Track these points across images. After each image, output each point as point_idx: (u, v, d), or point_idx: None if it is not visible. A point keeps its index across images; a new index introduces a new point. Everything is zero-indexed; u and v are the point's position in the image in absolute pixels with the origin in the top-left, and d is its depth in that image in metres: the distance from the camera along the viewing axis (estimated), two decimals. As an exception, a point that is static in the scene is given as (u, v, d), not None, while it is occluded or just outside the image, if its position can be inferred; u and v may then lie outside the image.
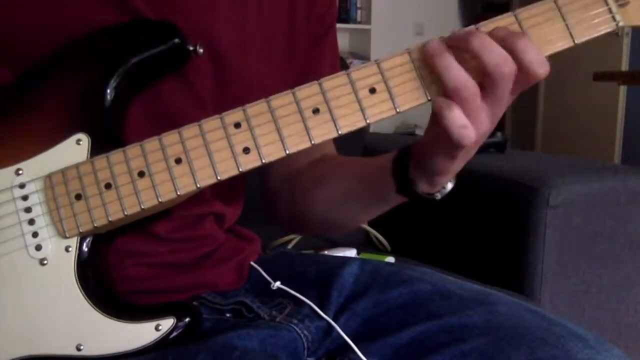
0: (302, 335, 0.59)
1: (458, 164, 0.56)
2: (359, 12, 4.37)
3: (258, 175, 0.75)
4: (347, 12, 4.28)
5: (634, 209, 1.14)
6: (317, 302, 0.61)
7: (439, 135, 0.52)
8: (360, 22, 4.36)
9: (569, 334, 0.53)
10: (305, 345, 0.59)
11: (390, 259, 1.15)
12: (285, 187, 0.74)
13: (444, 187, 0.60)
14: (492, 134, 1.41)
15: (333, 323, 0.59)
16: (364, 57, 4.27)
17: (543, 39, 0.52)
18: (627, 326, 1.22)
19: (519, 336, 0.53)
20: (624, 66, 3.52)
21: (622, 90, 3.83)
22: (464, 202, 1.22)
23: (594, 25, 0.52)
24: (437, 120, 0.51)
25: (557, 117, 4.42)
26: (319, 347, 0.60)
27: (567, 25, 0.52)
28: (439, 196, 0.60)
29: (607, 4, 0.52)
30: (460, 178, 1.29)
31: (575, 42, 0.53)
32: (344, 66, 1.72)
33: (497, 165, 1.19)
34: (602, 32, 0.53)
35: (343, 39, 4.42)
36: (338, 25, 0.77)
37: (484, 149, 1.32)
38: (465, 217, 1.22)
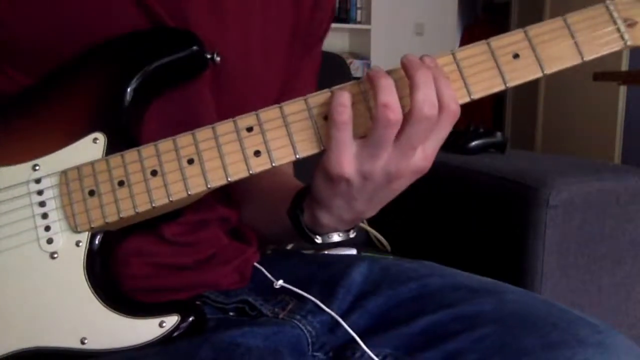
0: (305, 330, 0.59)
1: (339, 204, 0.57)
2: (359, 12, 4.37)
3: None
4: (347, 12, 4.28)
5: (634, 209, 1.14)
6: (320, 298, 0.62)
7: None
8: (360, 22, 4.35)
9: (578, 320, 0.54)
10: (310, 341, 0.59)
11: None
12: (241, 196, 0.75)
13: (328, 235, 0.61)
14: (492, 134, 1.42)
15: (335, 315, 0.60)
16: (364, 57, 4.27)
17: (552, 56, 0.54)
18: (627, 326, 1.22)
19: (531, 322, 0.54)
20: (624, 66, 3.52)
21: (622, 90, 3.83)
22: (464, 202, 1.22)
23: (602, 43, 0.54)
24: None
25: (557, 117, 4.42)
26: (326, 343, 0.60)
27: (575, 43, 0.54)
28: (318, 239, 0.62)
29: (615, 24, 0.54)
30: (460, 178, 1.30)
31: (584, 59, 0.54)
32: (344, 66, 1.71)
33: (497, 165, 1.19)
34: (611, 51, 0.54)
35: (343, 39, 4.42)
36: (338, 25, 0.78)
37: (483, 149, 1.32)
38: (465, 217, 1.22)
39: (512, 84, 0.54)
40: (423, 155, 0.53)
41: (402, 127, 0.51)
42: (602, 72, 2.44)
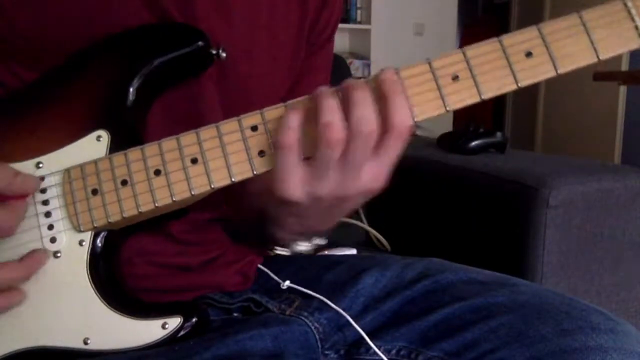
0: (312, 327, 0.59)
1: (292, 221, 0.57)
2: (359, 12, 4.36)
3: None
4: (347, 12, 4.28)
5: (634, 209, 1.14)
6: (328, 297, 0.62)
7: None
8: (360, 22, 4.35)
9: (590, 309, 0.55)
10: (317, 337, 0.59)
11: (391, 259, 1.15)
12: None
13: (289, 245, 0.63)
14: (492, 134, 1.42)
15: (340, 310, 0.60)
16: (364, 57, 4.26)
17: (566, 54, 0.52)
18: (627, 326, 1.21)
19: (544, 311, 0.55)
20: (624, 66, 3.52)
21: (622, 90, 3.83)
22: (464, 202, 1.22)
23: (619, 42, 0.52)
24: None
25: (557, 117, 4.42)
26: (337, 341, 0.60)
27: (591, 41, 0.52)
28: (279, 250, 0.63)
29: (633, 21, 0.52)
30: (460, 178, 1.29)
31: (600, 58, 0.52)
32: (344, 66, 1.71)
33: (497, 165, 1.19)
34: (628, 49, 0.52)
35: (343, 39, 4.42)
36: (338, 25, 0.78)
37: (483, 149, 1.32)
38: (465, 217, 1.22)
39: (524, 83, 0.52)
40: (371, 176, 0.51)
41: (344, 147, 0.50)
42: (602, 72, 2.44)
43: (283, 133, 0.50)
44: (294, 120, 0.50)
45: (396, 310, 0.61)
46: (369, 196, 0.53)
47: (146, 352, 0.53)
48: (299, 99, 0.53)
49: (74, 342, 0.53)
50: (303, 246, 0.62)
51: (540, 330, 0.53)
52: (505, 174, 1.14)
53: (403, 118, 0.49)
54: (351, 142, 0.49)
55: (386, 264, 0.65)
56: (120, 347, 0.53)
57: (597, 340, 0.51)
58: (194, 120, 0.57)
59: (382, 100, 0.49)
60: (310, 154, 0.51)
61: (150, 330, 0.53)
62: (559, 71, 0.52)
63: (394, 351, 0.57)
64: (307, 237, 0.62)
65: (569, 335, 0.52)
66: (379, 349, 0.57)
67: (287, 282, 0.65)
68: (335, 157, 0.49)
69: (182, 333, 0.53)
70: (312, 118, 0.51)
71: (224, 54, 0.58)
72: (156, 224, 0.57)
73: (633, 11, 0.52)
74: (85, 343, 0.53)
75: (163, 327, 0.53)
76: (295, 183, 0.51)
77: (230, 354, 0.53)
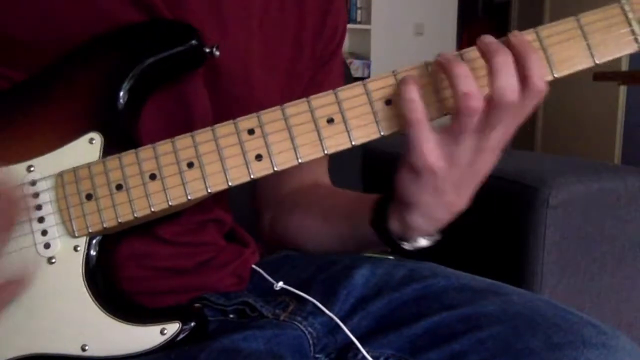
0: (306, 332, 0.59)
1: (429, 200, 0.56)
2: (359, 12, 4.37)
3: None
4: (347, 12, 4.28)
5: (634, 209, 1.14)
6: (321, 299, 0.61)
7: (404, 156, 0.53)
8: (360, 22, 4.35)
9: (582, 321, 0.54)
10: (311, 342, 0.59)
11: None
12: (270, 204, 0.76)
13: (415, 240, 0.60)
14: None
15: (333, 316, 0.59)
16: (364, 57, 4.26)
17: (563, 58, 0.52)
18: (627, 326, 1.21)
19: (535, 323, 0.54)
20: (624, 66, 3.52)
21: (622, 90, 3.83)
22: (464, 202, 1.22)
23: (616, 46, 0.52)
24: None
25: (557, 117, 4.42)
26: (328, 344, 0.60)
27: (588, 45, 0.52)
28: (407, 246, 0.61)
29: (630, 25, 0.52)
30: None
31: (596, 62, 0.52)
32: (344, 66, 1.70)
33: (497, 165, 1.19)
34: (624, 54, 0.52)
35: (343, 39, 4.42)
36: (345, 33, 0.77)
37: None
38: (465, 217, 1.21)
39: None
40: (505, 130, 0.52)
41: (482, 112, 0.50)
42: (602, 72, 2.45)
43: (410, 109, 0.51)
44: (413, 92, 0.51)
45: (385, 314, 0.60)
46: (498, 151, 0.54)
47: (144, 357, 0.52)
48: (407, 67, 0.53)
49: (71, 349, 0.52)
50: (426, 242, 0.61)
51: (529, 343, 0.52)
52: (505, 174, 1.14)
53: (540, 76, 0.50)
54: (494, 111, 0.50)
55: (378, 263, 0.65)
56: (118, 354, 0.52)
57: (587, 355, 0.50)
58: (184, 120, 0.56)
59: (517, 61, 0.49)
60: (434, 117, 0.52)
61: (149, 336, 0.53)
62: (555, 75, 0.52)
63: (381, 359, 0.57)
64: (440, 223, 0.61)
65: (558, 349, 0.51)
66: (368, 354, 0.57)
67: (280, 284, 0.64)
68: (474, 124, 0.50)
69: (180, 337, 0.53)
70: (427, 84, 0.52)
71: (217, 52, 0.57)
72: (147, 227, 0.57)
73: (630, 15, 0.52)
74: (83, 350, 0.52)
75: (162, 332, 0.53)
76: (430, 149, 0.52)
77: (224, 349, 0.52)
